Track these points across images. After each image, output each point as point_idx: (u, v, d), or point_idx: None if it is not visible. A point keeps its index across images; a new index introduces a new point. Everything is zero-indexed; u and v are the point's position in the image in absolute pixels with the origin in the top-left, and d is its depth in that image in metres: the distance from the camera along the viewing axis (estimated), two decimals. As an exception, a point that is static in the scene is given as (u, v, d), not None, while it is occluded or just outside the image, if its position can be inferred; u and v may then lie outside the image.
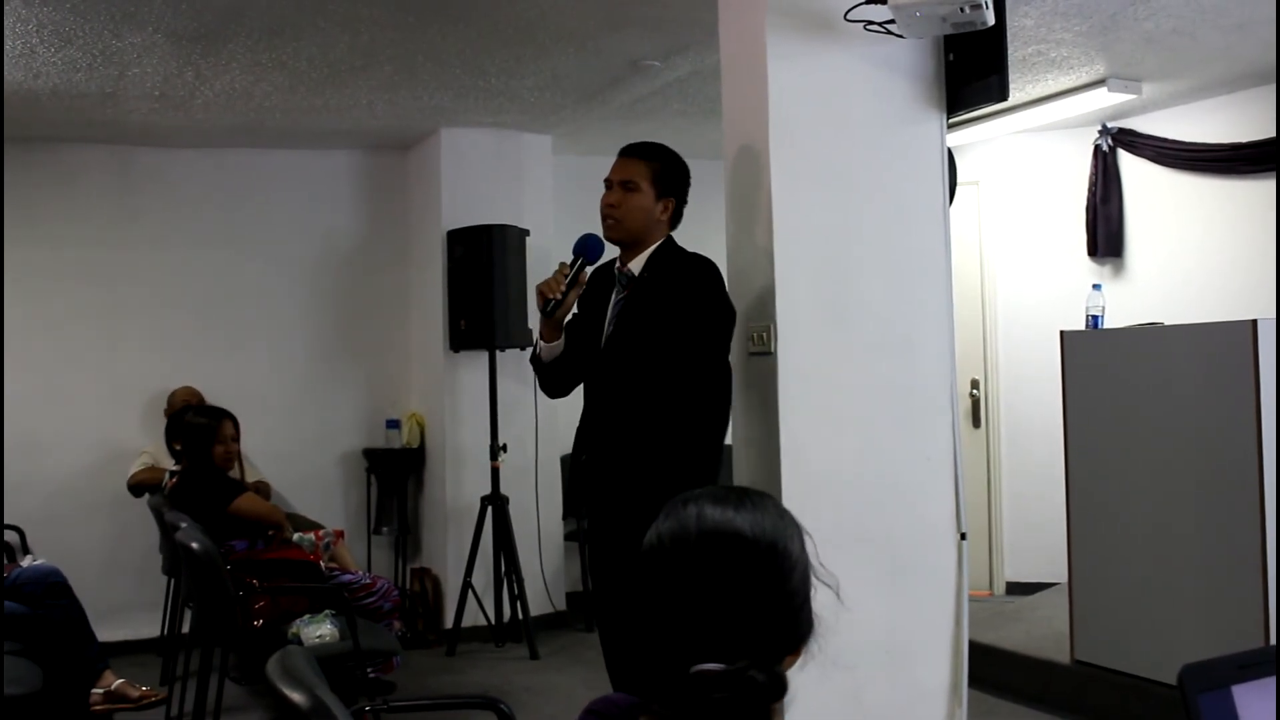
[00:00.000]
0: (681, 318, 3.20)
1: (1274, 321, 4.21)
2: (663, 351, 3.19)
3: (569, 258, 3.39)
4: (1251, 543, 4.08)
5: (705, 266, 3.30)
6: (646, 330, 3.26)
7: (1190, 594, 4.32)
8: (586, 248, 3.38)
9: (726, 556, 1.34)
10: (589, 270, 3.41)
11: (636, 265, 3.37)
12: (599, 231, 3.41)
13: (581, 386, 3.53)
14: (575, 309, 3.46)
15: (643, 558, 1.40)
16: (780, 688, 1.31)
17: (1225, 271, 5.99)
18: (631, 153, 3.43)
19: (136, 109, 5.66)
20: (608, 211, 3.38)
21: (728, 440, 3.41)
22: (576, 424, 3.50)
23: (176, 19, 4.38)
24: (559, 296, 3.31)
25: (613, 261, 3.47)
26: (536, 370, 3.53)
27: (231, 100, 5.59)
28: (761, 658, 1.31)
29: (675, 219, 3.42)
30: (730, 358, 3.35)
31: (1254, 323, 4.10)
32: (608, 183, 3.42)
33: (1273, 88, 5.72)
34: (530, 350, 3.57)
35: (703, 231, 3.57)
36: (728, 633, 1.32)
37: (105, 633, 5.16)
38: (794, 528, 1.40)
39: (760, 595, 1.33)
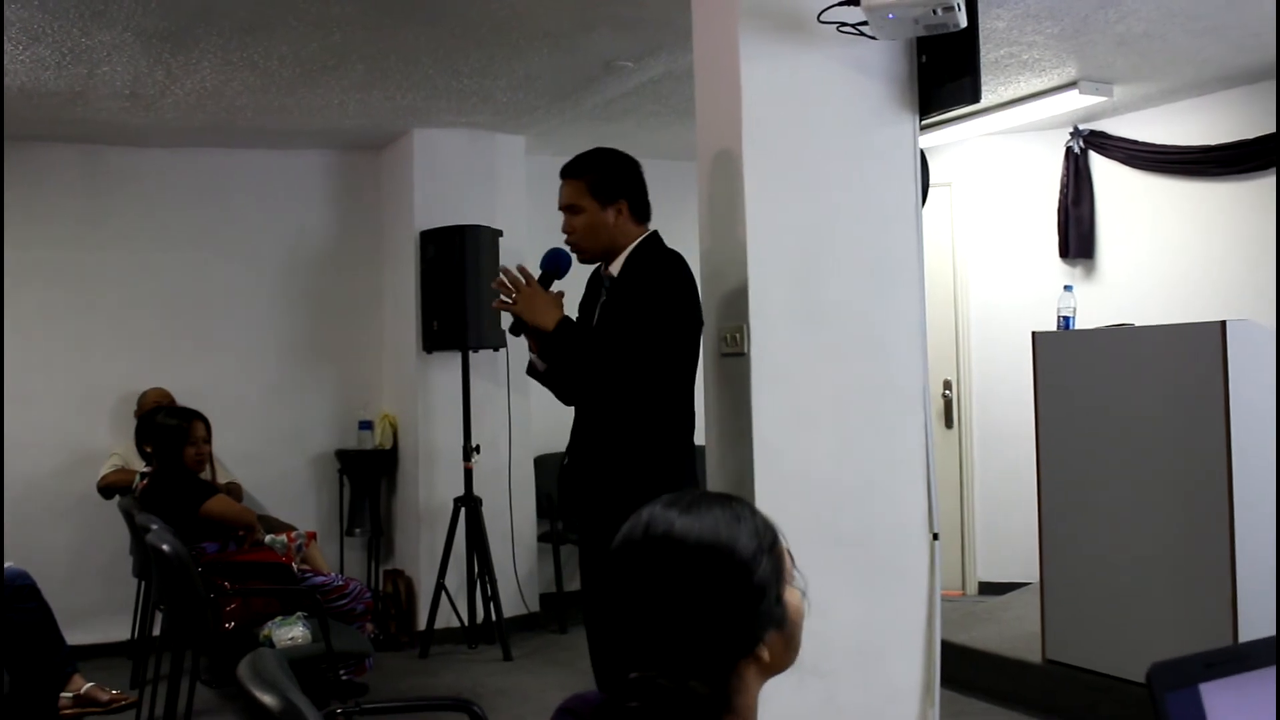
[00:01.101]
0: (633, 316, 3.20)
1: (1245, 322, 4.26)
2: (619, 350, 3.19)
3: (542, 258, 3.38)
4: (1220, 542, 4.12)
5: (668, 263, 3.28)
6: (615, 331, 3.26)
7: (1160, 594, 4.35)
8: (554, 263, 3.37)
9: (660, 561, 1.34)
10: (557, 283, 3.38)
11: (616, 267, 3.37)
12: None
13: None
14: (575, 316, 3.46)
15: (605, 563, 1.41)
16: (714, 699, 1.31)
17: (1195, 273, 6.04)
18: (565, 173, 3.40)
19: (106, 108, 5.61)
20: (566, 238, 3.39)
21: (700, 441, 3.42)
22: (549, 425, 3.50)
23: (146, 17, 4.34)
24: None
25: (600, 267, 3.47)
26: (538, 381, 3.47)
27: (202, 99, 5.55)
28: (702, 665, 1.31)
29: (638, 214, 3.38)
30: (702, 358, 3.35)
31: (1223, 324, 4.13)
32: (561, 209, 3.42)
33: (1244, 90, 5.78)
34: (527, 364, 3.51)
35: (676, 232, 3.56)
36: (662, 638, 1.31)
37: (74, 636, 5.11)
38: (750, 531, 1.37)
39: (696, 600, 1.32)
